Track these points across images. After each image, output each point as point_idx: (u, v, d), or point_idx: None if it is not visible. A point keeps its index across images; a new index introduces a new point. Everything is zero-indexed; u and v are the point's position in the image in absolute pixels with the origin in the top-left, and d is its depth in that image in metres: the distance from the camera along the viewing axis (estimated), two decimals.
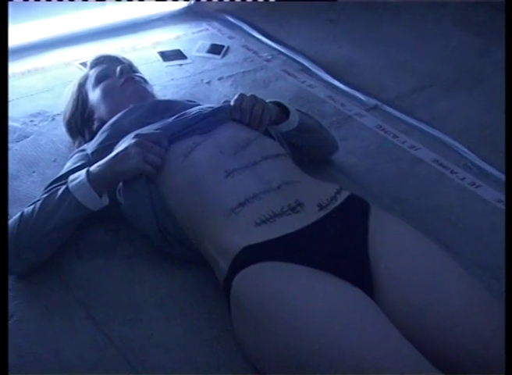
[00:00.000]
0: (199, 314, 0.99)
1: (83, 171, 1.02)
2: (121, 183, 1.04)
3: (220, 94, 1.62)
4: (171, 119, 1.14)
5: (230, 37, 1.93)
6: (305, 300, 0.80)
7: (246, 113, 1.12)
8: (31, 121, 1.45)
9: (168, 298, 1.02)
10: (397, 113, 1.60)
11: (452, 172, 1.38)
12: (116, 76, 1.26)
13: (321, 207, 0.96)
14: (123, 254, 1.10)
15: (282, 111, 1.20)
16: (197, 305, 1.01)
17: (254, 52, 1.85)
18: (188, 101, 1.32)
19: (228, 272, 0.89)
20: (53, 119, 1.46)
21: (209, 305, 1.00)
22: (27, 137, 1.39)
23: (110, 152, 1.05)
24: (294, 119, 1.20)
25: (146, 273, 1.07)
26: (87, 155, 1.13)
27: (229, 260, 0.89)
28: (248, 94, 1.15)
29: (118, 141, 1.10)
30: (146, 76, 1.35)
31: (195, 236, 1.00)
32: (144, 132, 1.07)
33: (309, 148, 1.29)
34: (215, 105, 1.18)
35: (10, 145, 1.34)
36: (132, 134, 1.08)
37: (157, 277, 1.06)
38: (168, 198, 1.02)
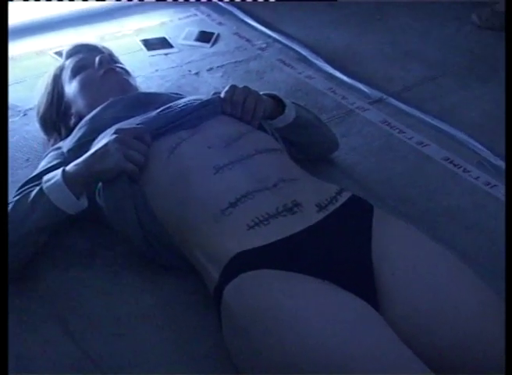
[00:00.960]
0: (188, 327, 0.99)
1: (59, 171, 1.03)
2: (100, 184, 1.05)
3: (209, 86, 1.63)
4: (155, 113, 1.15)
5: (220, 24, 1.94)
6: (303, 313, 0.80)
7: (237, 106, 1.13)
8: None
9: (153, 309, 1.03)
10: (404, 106, 1.61)
11: (464, 170, 1.39)
12: (95, 66, 1.27)
13: (320, 207, 0.97)
14: (103, 262, 1.10)
15: (278, 104, 1.22)
16: (185, 317, 1.01)
17: (247, 40, 1.87)
18: (174, 93, 1.33)
19: (219, 280, 0.90)
20: (25, 114, 1.48)
21: (199, 316, 1.01)
22: None
23: (88, 150, 1.06)
24: (290, 114, 1.22)
25: (129, 283, 1.07)
26: (62, 153, 1.14)
27: (219, 268, 0.90)
28: (240, 86, 1.16)
29: (96, 138, 1.11)
30: (128, 67, 1.36)
31: (182, 240, 1.01)
32: (124, 127, 1.08)
33: (307, 144, 1.30)
34: (204, 98, 1.19)
35: None
36: (112, 129, 1.08)
37: (141, 287, 1.07)
38: (152, 199, 1.03)
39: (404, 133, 1.52)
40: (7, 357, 0.77)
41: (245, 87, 1.17)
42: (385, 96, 1.66)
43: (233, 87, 1.16)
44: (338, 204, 0.99)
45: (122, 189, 1.03)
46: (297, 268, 0.88)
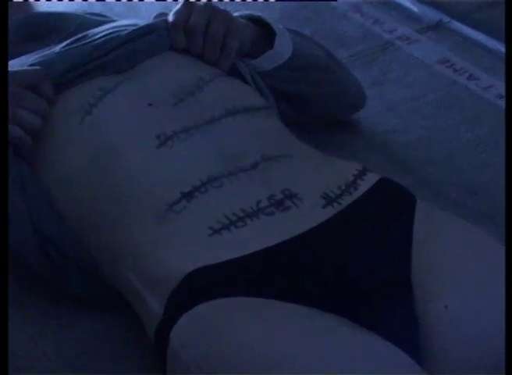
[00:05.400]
0: None
1: None
2: None
3: (154, 4, 1.67)
4: (59, 47, 1.16)
5: None
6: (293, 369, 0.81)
7: (196, 36, 1.15)
8: None
9: (63, 350, 1.06)
10: (477, 36, 1.64)
11: None
12: None
13: (328, 200, 0.98)
14: None
15: (263, 33, 1.23)
16: (111, 367, 1.04)
17: None
18: (94, 14, 1.36)
19: (163, 316, 0.91)
20: None
21: (134, 367, 1.03)
22: None
23: None
24: (284, 48, 1.23)
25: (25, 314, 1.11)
26: None
27: (163, 296, 0.91)
28: (200, 1, 1.18)
29: None
30: None
31: (104, 255, 1.02)
32: (11, 70, 1.08)
33: (311, 99, 1.33)
34: (141, 22, 1.21)
35: None
36: None
37: (40, 326, 1.10)
38: (54, 187, 1.05)
39: (477, 79, 1.56)
40: (7, 358, 0.86)
41: (208, 3, 1.19)
42: (446, 19, 1.69)
43: (189, 5, 1.18)
44: (358, 193, 1.01)
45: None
46: (290, 295, 0.89)
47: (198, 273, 0.91)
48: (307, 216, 0.97)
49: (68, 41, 1.18)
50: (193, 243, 0.94)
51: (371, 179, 1.04)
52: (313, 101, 1.34)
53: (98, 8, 1.76)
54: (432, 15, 1.72)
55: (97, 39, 1.17)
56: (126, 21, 1.27)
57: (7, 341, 0.87)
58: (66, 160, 1.06)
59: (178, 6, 1.19)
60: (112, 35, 1.17)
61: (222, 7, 1.19)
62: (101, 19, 1.33)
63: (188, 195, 0.97)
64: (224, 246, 0.93)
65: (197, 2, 1.19)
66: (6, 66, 1.07)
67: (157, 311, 0.92)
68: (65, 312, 1.12)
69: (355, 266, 0.94)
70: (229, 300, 0.90)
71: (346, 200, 1.00)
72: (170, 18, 1.19)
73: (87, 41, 1.17)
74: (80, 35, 1.20)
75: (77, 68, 1.12)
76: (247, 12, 1.25)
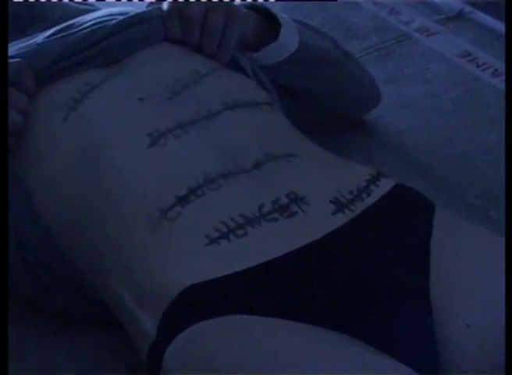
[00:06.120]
0: None
1: None
2: None
3: None
4: (42, 37, 1.16)
5: None
6: None
7: (193, 26, 1.15)
8: None
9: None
10: (502, 27, 1.61)
11: None
12: None
13: (338, 206, 0.98)
14: None
15: (267, 23, 1.23)
16: None
17: None
18: (80, 3, 1.38)
19: (156, 337, 0.90)
20: None
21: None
22: None
23: None
24: (290, 41, 1.24)
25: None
26: None
27: (157, 314, 0.90)
28: None
29: None
30: None
31: (92, 269, 1.01)
32: None
33: (319, 96, 1.33)
34: (133, 11, 1.21)
35: None
36: None
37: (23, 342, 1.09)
38: (34, 189, 1.04)
39: (502, 75, 1.56)
40: (7, 358, 0.86)
41: None
42: (468, 8, 1.69)
43: None
44: (371, 200, 1.00)
45: None
46: (297, 314, 0.88)
47: (195, 290, 0.90)
48: (316, 223, 0.96)
49: (51, 31, 1.18)
50: (189, 254, 0.93)
51: (385, 185, 1.03)
52: (321, 99, 1.35)
53: None
54: (453, 4, 1.72)
55: (83, 29, 1.17)
56: (115, 9, 1.26)
57: (7, 341, 0.86)
58: (49, 160, 1.05)
59: None
60: (100, 25, 1.17)
61: None
62: (87, 8, 1.33)
63: (183, 200, 0.96)
64: (223, 258, 0.92)
65: None
66: (6, 65, 1.06)
67: (149, 330, 0.92)
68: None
69: (369, 281, 0.93)
70: (229, 319, 0.89)
71: (358, 206, 0.99)
72: (165, 6, 1.19)
73: (72, 31, 1.17)
74: (64, 24, 1.20)
75: (62, 60, 1.12)
76: (249, 1, 1.24)
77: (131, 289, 0.95)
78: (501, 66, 1.58)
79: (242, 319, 0.88)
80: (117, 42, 1.14)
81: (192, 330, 0.88)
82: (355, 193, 1.01)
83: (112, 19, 1.18)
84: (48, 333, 1.12)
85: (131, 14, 1.19)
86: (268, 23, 1.24)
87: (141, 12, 1.20)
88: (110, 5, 1.61)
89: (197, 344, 0.88)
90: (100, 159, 1.02)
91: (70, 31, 1.17)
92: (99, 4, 1.82)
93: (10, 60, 1.11)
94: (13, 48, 1.15)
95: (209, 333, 0.88)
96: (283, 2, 1.73)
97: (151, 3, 1.25)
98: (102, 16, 1.21)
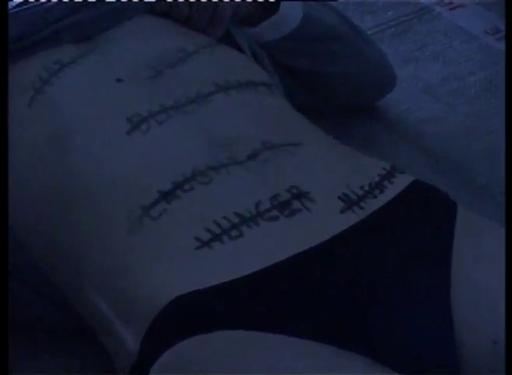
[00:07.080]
0: None
1: None
2: None
3: None
4: (12, 4, 1.16)
5: None
6: None
7: None
8: None
9: None
10: None
11: None
12: None
13: (347, 203, 0.98)
14: None
15: None
16: None
17: None
18: None
19: (139, 354, 0.90)
20: None
21: None
22: None
23: None
24: (291, 13, 1.25)
25: None
26: None
27: (140, 329, 0.90)
28: None
29: None
30: None
31: (63, 271, 1.02)
32: None
33: (326, 78, 1.34)
34: None
35: None
36: None
37: None
38: None
39: None
40: (7, 358, 0.87)
41: None
42: None
43: None
44: (385, 198, 1.00)
45: None
46: (300, 329, 0.88)
47: (183, 301, 0.90)
48: (321, 223, 0.96)
49: (16, 2, 1.18)
50: (177, 259, 0.93)
51: (401, 181, 1.03)
52: (327, 81, 1.36)
53: None
54: None
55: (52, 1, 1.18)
56: None
57: (7, 341, 0.87)
58: (16, 151, 1.05)
59: None
60: None
61: None
62: None
63: (168, 195, 0.96)
64: (215, 264, 0.92)
65: None
66: (6, 65, 1.05)
67: (131, 347, 0.91)
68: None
69: (383, 289, 0.93)
70: (222, 335, 0.88)
71: (370, 204, 0.99)
72: None
73: (39, 3, 1.18)
74: None
75: (28, 35, 1.13)
76: None
77: (109, 297, 0.95)
78: None
79: (236, 335, 0.88)
80: (92, 15, 1.16)
81: (180, 347, 0.87)
82: (366, 189, 1.00)
83: None
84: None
85: None
86: None
87: None
88: None
89: (186, 363, 0.88)
90: (70, 147, 1.02)
91: (36, 3, 1.19)
92: None
93: None
94: None
95: (199, 351, 0.88)
96: None
97: None
98: None
